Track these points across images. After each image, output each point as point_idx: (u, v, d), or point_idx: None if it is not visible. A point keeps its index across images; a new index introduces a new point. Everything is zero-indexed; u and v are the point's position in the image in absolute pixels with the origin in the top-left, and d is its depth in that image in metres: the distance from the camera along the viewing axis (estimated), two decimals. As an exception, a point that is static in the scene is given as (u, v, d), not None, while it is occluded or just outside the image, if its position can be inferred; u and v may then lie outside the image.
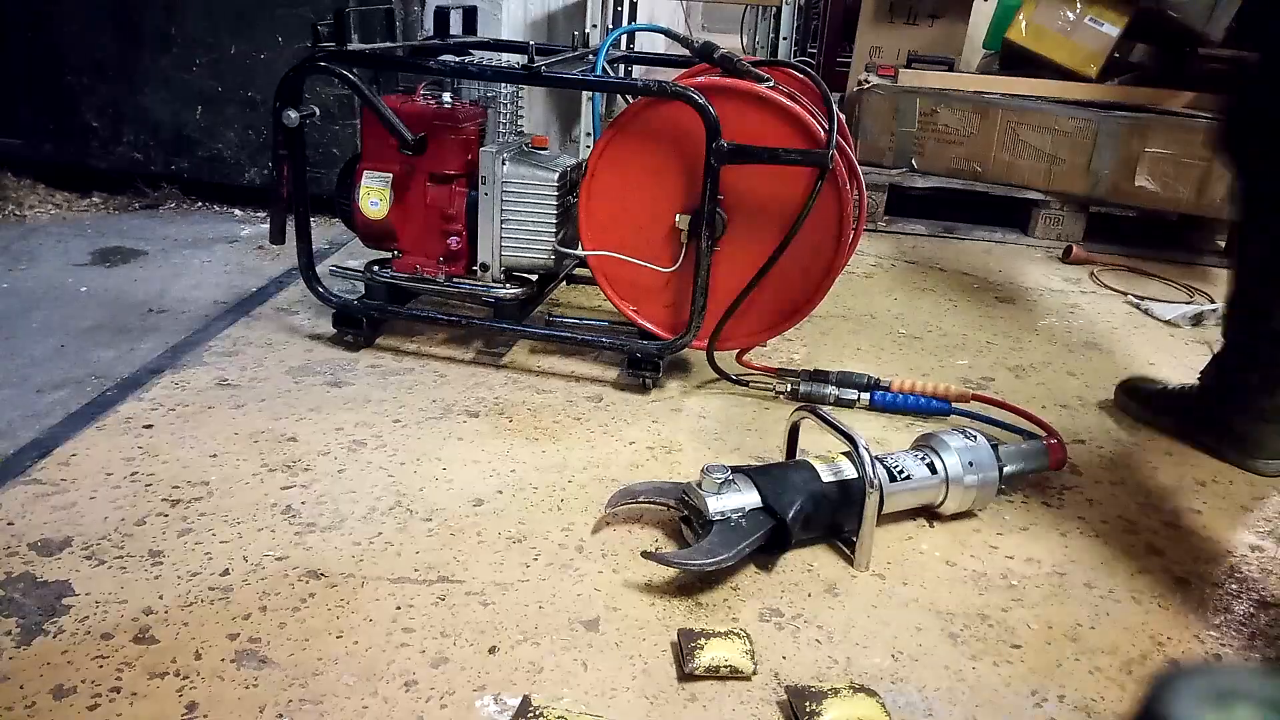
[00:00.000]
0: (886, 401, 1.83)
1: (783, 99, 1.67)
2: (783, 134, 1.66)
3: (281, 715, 1.02)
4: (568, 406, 1.78)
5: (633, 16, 2.98)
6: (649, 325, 1.86)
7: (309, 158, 1.89)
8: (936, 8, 3.94)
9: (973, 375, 2.06)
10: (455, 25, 2.15)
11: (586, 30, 2.18)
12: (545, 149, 1.92)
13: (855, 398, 1.84)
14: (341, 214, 1.96)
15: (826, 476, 1.35)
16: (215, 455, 1.53)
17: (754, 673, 1.11)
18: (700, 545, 1.26)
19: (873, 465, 1.33)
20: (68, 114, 2.82)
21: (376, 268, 1.95)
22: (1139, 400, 1.89)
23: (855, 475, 1.35)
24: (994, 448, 1.48)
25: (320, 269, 2.00)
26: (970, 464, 1.43)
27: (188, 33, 2.72)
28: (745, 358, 1.92)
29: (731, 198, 1.72)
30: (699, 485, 1.32)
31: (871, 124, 3.25)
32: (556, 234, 1.85)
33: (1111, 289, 2.73)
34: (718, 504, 1.29)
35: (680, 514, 1.36)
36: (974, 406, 1.83)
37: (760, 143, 1.64)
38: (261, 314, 2.13)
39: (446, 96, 1.88)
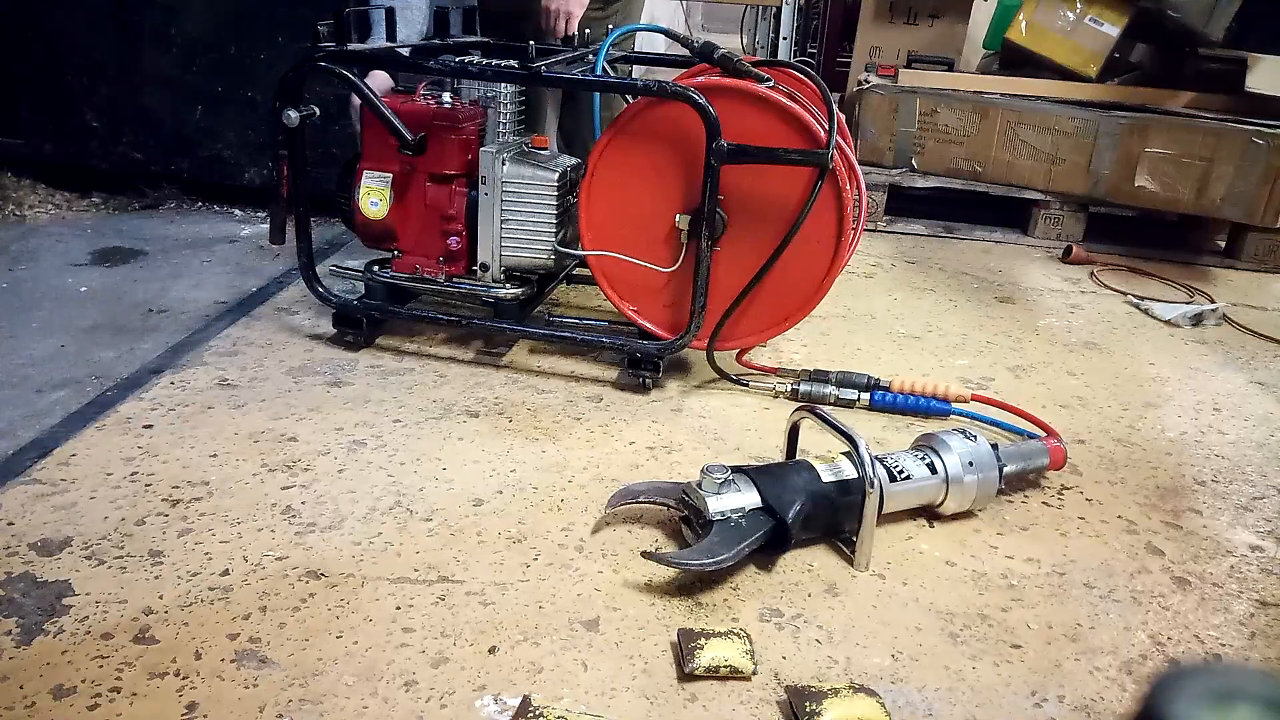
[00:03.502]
0: (886, 401, 1.83)
1: (782, 99, 1.67)
2: (782, 134, 1.66)
3: (281, 715, 1.02)
4: (568, 406, 1.78)
5: (633, 16, 2.98)
6: (649, 325, 1.86)
7: (309, 158, 1.88)
8: (936, 8, 3.94)
9: (973, 375, 2.06)
10: (455, 25, 2.15)
11: (586, 30, 2.18)
12: (545, 149, 1.92)
13: (855, 398, 1.84)
14: (341, 214, 1.96)
15: (826, 476, 1.35)
16: (215, 455, 1.53)
17: (754, 673, 1.11)
18: (700, 545, 1.26)
19: (873, 465, 1.33)
20: (68, 114, 2.82)
21: (376, 268, 1.95)
22: None
23: (855, 475, 1.35)
24: (994, 448, 1.48)
25: (320, 269, 2.00)
26: (970, 464, 1.43)
27: (188, 33, 2.72)
28: (745, 357, 1.92)
29: (731, 198, 1.72)
30: (699, 485, 1.32)
31: (871, 124, 3.25)
32: (556, 234, 1.85)
33: (1111, 289, 2.73)
34: (718, 504, 1.29)
35: (680, 514, 1.36)
36: (974, 407, 1.83)
37: (760, 143, 1.64)
38: (261, 314, 2.13)
39: (446, 96, 1.88)
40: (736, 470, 1.35)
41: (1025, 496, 1.57)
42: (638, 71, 2.76)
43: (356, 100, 1.92)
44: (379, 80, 1.91)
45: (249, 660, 1.09)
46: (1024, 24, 3.35)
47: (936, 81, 3.29)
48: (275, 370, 1.85)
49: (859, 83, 3.37)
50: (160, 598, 1.19)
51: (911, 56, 3.58)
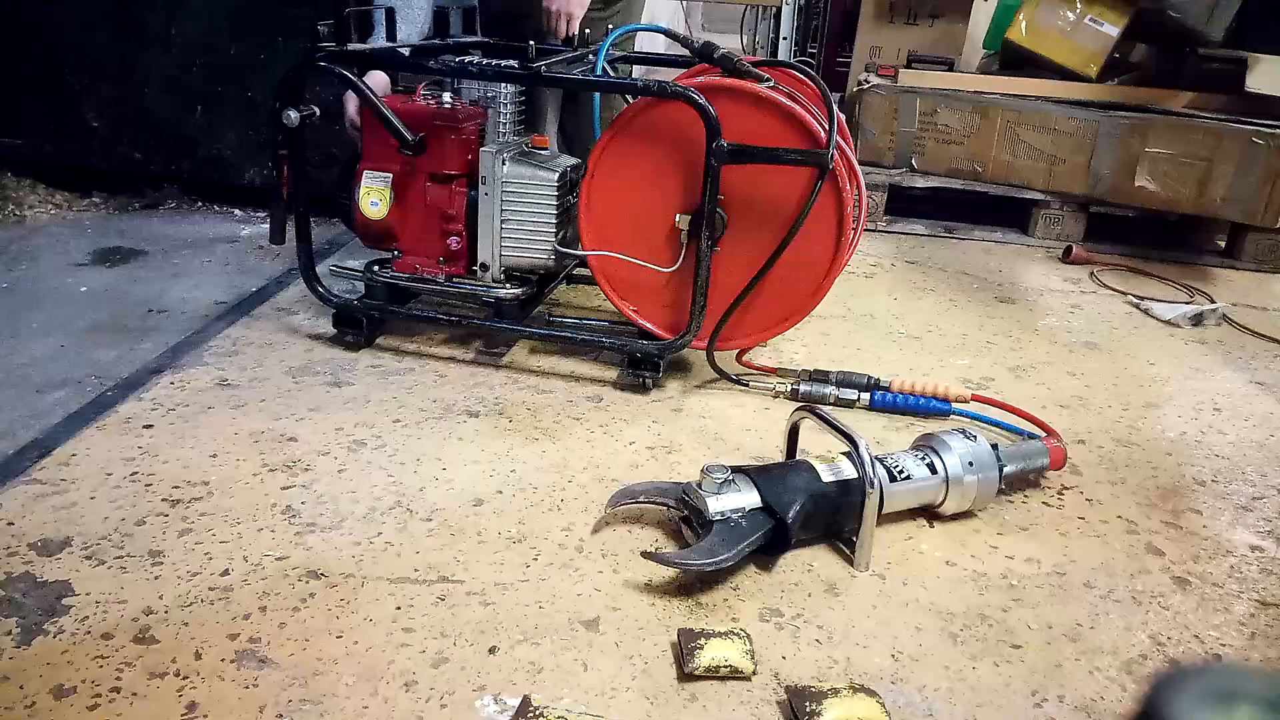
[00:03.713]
0: (886, 401, 1.83)
1: (782, 99, 1.67)
2: (783, 134, 1.66)
3: (281, 715, 1.02)
4: (568, 406, 1.78)
5: (633, 16, 2.98)
6: (649, 325, 1.86)
7: (309, 158, 1.88)
8: (936, 8, 3.93)
9: (973, 375, 2.06)
10: (455, 25, 2.15)
11: (586, 30, 2.18)
12: (545, 149, 1.92)
13: (855, 398, 1.84)
14: (341, 214, 1.96)
15: (826, 476, 1.35)
16: (215, 455, 1.53)
17: (754, 673, 1.11)
18: (700, 545, 1.26)
19: (873, 465, 1.33)
20: (68, 114, 2.82)
21: (376, 268, 1.95)
22: None
23: (855, 475, 1.35)
24: (994, 448, 1.48)
25: (320, 269, 2.00)
26: (970, 464, 1.43)
27: (188, 33, 2.72)
28: (745, 358, 1.92)
29: (732, 198, 1.72)
30: (699, 485, 1.32)
31: (871, 124, 3.25)
32: (556, 234, 1.85)
33: (1111, 289, 2.73)
34: (718, 504, 1.29)
35: (680, 514, 1.36)
36: (974, 406, 1.83)
37: (760, 143, 1.64)
38: (261, 314, 2.13)
39: (446, 96, 1.88)
40: (736, 470, 1.35)
41: (1025, 496, 1.57)
42: (638, 71, 2.76)
43: (352, 104, 1.92)
44: (377, 80, 1.91)
45: (249, 660, 1.09)
46: (1024, 24, 3.35)
47: (936, 81, 3.29)
48: (275, 370, 1.85)
49: (859, 83, 3.37)
50: (160, 598, 1.19)
51: (911, 56, 3.58)
